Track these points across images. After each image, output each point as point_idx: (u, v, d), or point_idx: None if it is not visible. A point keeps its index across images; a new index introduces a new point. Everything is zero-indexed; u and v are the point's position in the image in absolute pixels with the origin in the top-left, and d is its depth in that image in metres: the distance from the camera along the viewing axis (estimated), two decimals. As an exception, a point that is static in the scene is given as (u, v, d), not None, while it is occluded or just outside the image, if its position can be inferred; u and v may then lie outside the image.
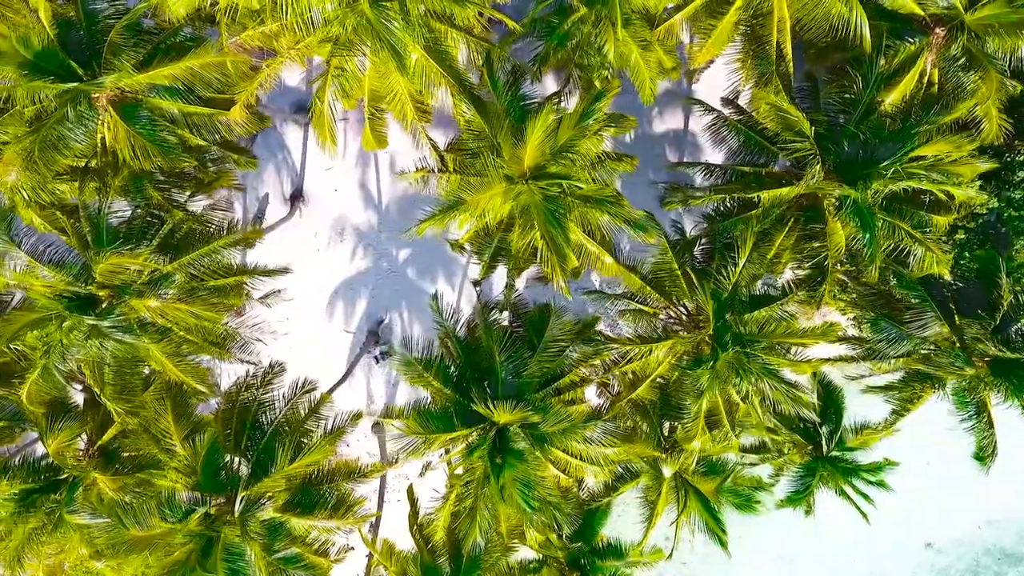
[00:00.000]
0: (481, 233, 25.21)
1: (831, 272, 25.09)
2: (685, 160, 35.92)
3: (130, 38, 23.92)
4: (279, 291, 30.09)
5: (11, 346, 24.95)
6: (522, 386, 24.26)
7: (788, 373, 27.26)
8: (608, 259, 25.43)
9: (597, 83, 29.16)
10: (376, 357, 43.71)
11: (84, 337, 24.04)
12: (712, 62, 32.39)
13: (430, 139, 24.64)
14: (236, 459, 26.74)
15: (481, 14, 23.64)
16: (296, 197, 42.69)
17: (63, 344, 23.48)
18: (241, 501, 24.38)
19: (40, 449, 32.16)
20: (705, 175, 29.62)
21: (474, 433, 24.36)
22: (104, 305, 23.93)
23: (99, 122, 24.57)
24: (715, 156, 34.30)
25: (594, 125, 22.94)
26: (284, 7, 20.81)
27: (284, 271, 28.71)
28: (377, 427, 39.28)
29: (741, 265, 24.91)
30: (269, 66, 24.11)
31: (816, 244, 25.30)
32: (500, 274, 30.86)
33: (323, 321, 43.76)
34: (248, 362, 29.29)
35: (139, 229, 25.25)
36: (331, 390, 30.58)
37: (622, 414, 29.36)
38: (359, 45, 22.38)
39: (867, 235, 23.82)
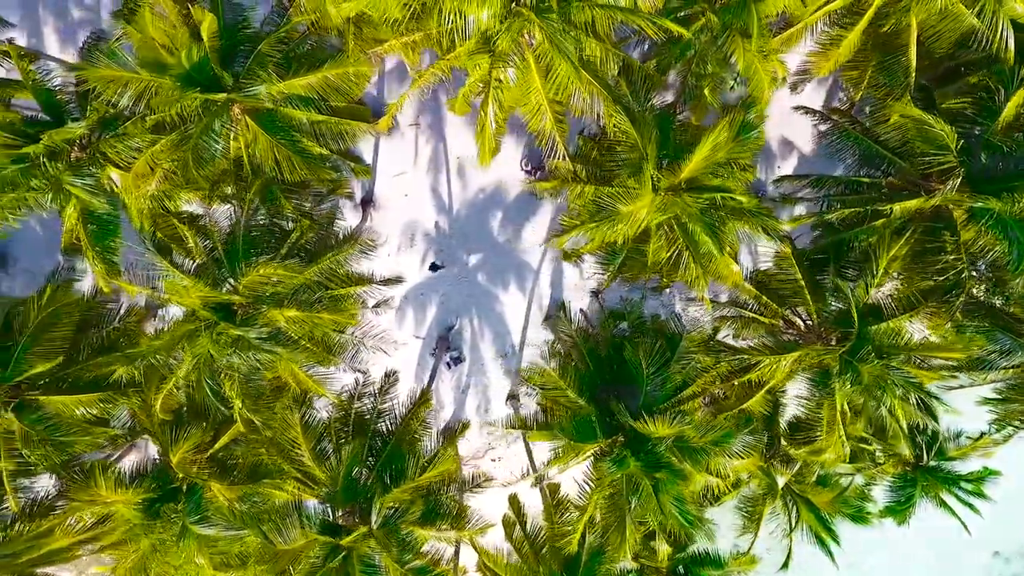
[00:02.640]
0: (607, 244, 25.05)
1: (967, 284, 25.01)
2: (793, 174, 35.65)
3: (279, 49, 23.72)
4: (388, 299, 29.91)
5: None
6: (661, 398, 24.16)
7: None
8: (735, 267, 25.34)
9: (707, 94, 29.16)
10: (448, 363, 43.57)
11: (230, 348, 23.79)
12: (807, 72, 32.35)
13: (565, 149, 24.49)
14: (360, 470, 26.60)
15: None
16: (367, 202, 42.52)
17: (212, 356, 23.23)
18: (378, 512, 24.14)
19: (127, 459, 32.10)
20: (815, 187, 29.54)
21: (611, 445, 24.21)
22: (241, 316, 23.69)
23: (236, 133, 24.37)
24: (803, 166, 34.27)
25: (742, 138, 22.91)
26: (443, 17, 20.65)
27: (398, 280, 28.56)
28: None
29: (879, 276, 24.86)
30: (421, 76, 23.97)
31: (951, 256, 25.16)
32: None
33: (393, 327, 43.55)
34: (359, 371, 29.11)
35: (270, 239, 25.03)
36: (424, 398, 30.39)
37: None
38: (511, 56, 22.25)
39: (1014, 248, 23.74)
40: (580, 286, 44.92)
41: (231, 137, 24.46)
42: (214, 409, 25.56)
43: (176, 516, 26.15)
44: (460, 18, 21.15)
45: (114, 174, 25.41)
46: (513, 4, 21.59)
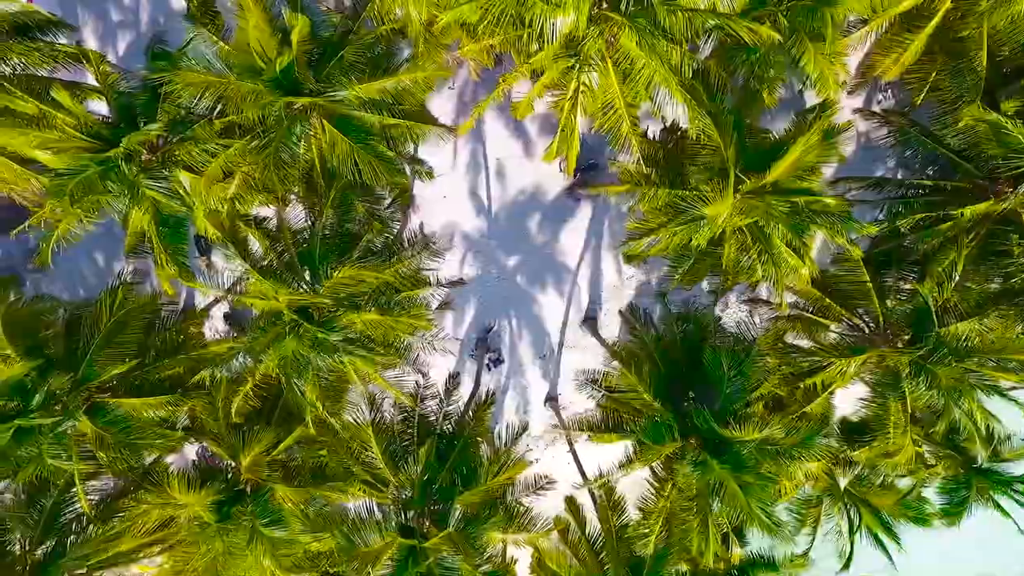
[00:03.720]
0: (677, 246, 25.15)
1: (1041, 286, 25.18)
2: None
3: (364, 53, 23.77)
4: (449, 302, 29.97)
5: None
6: (739, 400, 24.24)
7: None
8: (804, 270, 25.45)
9: (765, 97, 29.27)
10: (488, 364, 43.64)
11: (314, 350, 23.82)
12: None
13: (648, 153, 24.54)
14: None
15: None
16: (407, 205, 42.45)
17: (297, 357, 23.25)
18: (456, 515, 24.19)
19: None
20: (875, 189, 29.69)
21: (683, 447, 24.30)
22: (317, 318, 23.72)
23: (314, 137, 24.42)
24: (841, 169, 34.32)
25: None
26: (534, 21, 20.72)
27: (461, 282, 28.62)
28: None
29: (957, 279, 25.01)
30: (505, 80, 24.02)
31: (1021, 258, 25.30)
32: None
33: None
34: (421, 372, 29.17)
35: (339, 241, 25.07)
36: (488, 400, 30.43)
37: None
38: (596, 59, 22.35)
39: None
40: (618, 288, 45.07)
41: (309, 141, 24.43)
42: (299, 411, 25.58)
43: (246, 519, 26.07)
44: (549, 22, 21.19)
45: (184, 177, 25.36)
46: (597, 9, 21.65)
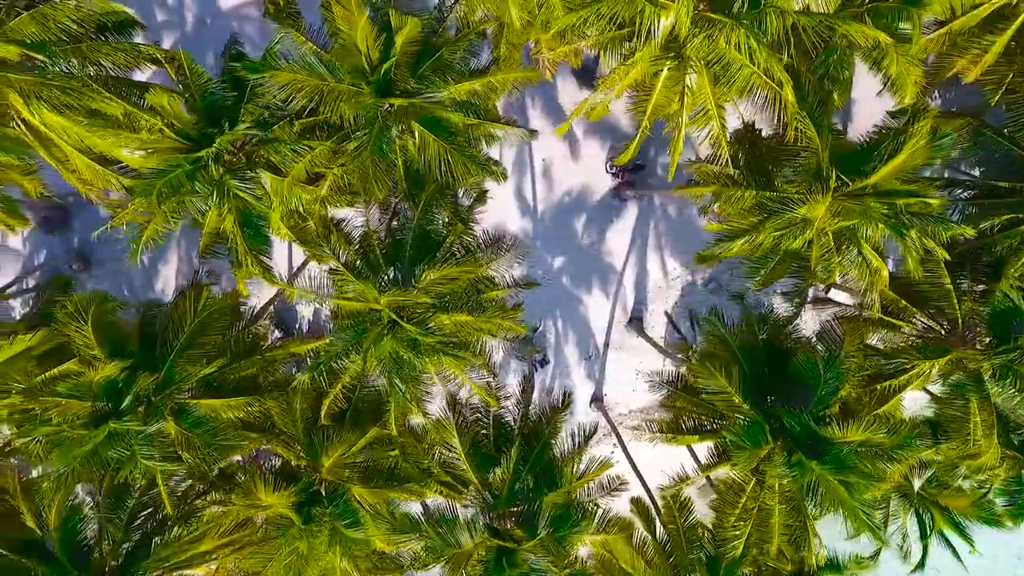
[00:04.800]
0: (768, 247, 25.16)
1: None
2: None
3: (460, 55, 23.75)
4: (522, 304, 29.94)
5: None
6: (831, 402, 24.28)
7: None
8: (885, 272, 25.52)
9: (836, 97, 29.32)
10: (536, 364, 43.66)
11: (412, 351, 23.79)
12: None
13: (729, 154, 24.57)
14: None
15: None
16: (454, 206, 42.35)
17: (396, 359, 23.22)
18: (545, 517, 24.19)
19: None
20: (946, 190, 29.76)
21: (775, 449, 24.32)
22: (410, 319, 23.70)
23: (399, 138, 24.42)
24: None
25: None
26: (640, 24, 20.73)
27: (535, 284, 28.66)
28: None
29: (1042, 280, 25.12)
30: (604, 83, 24.02)
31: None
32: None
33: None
34: (493, 372, 29.15)
35: (429, 243, 25.08)
36: (566, 401, 30.38)
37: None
38: (697, 60, 22.38)
39: None
40: (664, 289, 45.13)
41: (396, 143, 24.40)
42: (371, 412, 25.54)
43: (327, 520, 26.04)
44: (656, 24, 21.20)
45: (266, 178, 25.31)
46: (698, 11, 21.68)
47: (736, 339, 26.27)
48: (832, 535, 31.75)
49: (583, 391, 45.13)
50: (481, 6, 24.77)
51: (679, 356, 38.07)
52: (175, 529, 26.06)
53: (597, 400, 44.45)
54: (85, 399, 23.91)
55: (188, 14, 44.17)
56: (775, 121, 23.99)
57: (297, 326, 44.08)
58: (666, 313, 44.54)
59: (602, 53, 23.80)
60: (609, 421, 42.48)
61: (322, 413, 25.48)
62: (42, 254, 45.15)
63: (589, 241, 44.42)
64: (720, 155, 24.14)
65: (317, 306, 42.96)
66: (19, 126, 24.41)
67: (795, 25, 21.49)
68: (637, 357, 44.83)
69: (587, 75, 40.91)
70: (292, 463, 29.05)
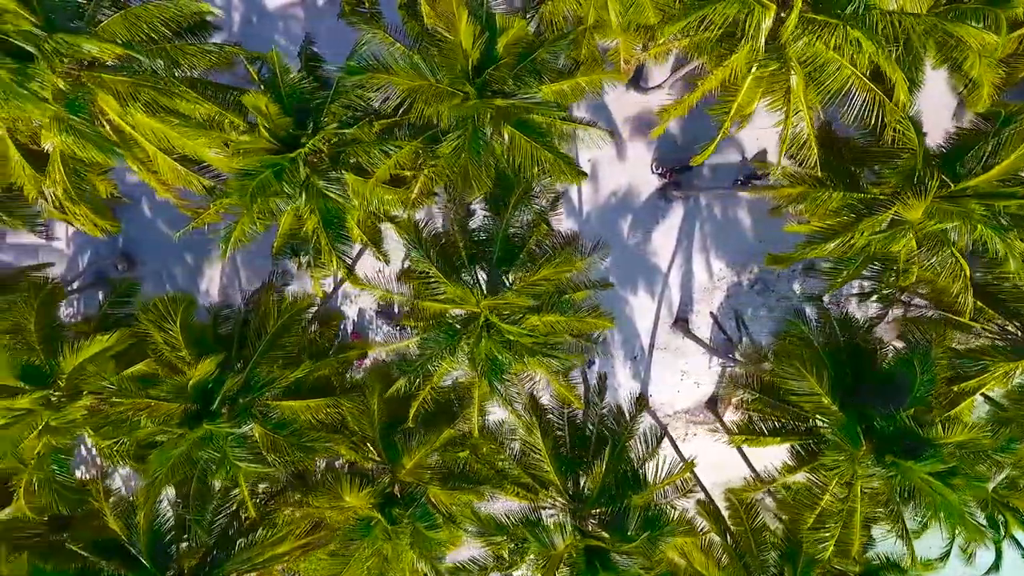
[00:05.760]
0: (859, 248, 25.14)
1: None
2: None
3: (552, 55, 23.71)
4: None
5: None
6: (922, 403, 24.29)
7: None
8: (969, 273, 25.53)
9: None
10: (589, 361, 43.68)
11: (509, 352, 23.71)
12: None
13: (817, 152, 24.56)
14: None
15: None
16: (497, 206, 42.28)
17: (493, 362, 23.16)
18: (637, 519, 24.17)
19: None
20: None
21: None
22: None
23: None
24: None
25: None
26: (747, 25, 20.68)
27: (610, 285, 28.62)
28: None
29: None
30: (703, 84, 24.00)
31: None
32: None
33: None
34: (586, 373, 29.04)
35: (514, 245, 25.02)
36: (642, 403, 30.29)
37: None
38: (796, 62, 22.36)
39: None
40: (710, 290, 45.11)
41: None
42: (443, 414, 25.49)
43: (407, 521, 25.97)
44: (762, 26, 21.19)
45: (347, 178, 25.24)
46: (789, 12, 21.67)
47: (821, 340, 26.17)
48: (878, 535, 31.90)
49: (629, 392, 45.02)
50: (565, 7, 24.70)
51: (740, 358, 38.11)
52: (259, 530, 25.89)
53: (713, 402, 44.43)
54: (179, 400, 23.76)
55: (235, 14, 44.03)
56: (860, 122, 23.91)
57: (341, 327, 43.95)
58: (712, 314, 44.53)
59: (693, 55, 23.75)
60: (657, 421, 42.44)
61: (411, 415, 25.41)
62: (87, 254, 45.01)
63: (635, 241, 44.36)
64: (809, 157, 24.07)
65: (361, 307, 43.02)
66: (104, 126, 24.27)
67: (894, 26, 21.43)
68: (683, 358, 44.81)
69: (635, 77, 40.98)
70: (361, 464, 28.96)
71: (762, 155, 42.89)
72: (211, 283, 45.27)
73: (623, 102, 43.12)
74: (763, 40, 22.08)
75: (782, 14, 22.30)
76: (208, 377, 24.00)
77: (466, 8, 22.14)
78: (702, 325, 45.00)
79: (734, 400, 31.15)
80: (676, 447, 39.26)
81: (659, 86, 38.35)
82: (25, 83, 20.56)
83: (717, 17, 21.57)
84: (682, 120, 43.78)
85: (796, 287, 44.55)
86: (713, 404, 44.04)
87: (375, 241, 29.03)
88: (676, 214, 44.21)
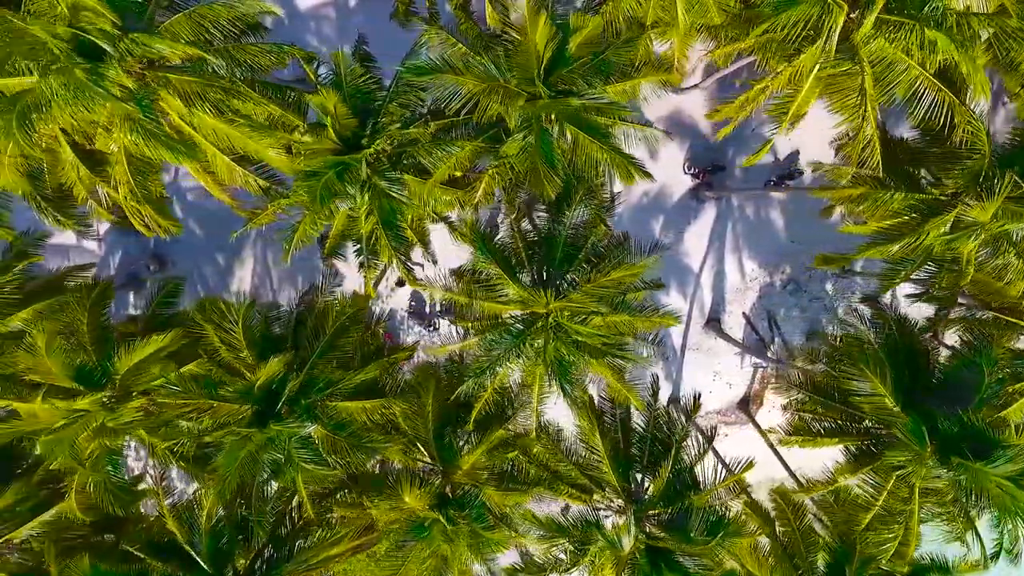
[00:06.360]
0: (923, 249, 25.14)
1: None
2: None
3: (620, 56, 23.67)
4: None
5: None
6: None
7: None
8: (1022, 276, 25.59)
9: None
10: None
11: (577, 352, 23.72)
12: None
13: (880, 152, 24.55)
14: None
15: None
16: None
17: (566, 362, 23.13)
18: (701, 520, 24.17)
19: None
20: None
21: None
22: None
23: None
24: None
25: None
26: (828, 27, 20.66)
27: (661, 285, 28.58)
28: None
29: None
30: (770, 83, 23.97)
31: None
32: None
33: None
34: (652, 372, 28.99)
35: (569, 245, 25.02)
36: (697, 404, 30.26)
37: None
38: (868, 62, 22.37)
39: None
40: (742, 290, 45.07)
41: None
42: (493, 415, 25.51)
43: (462, 522, 25.94)
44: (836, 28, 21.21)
45: (406, 179, 25.19)
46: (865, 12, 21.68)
47: (880, 340, 26.17)
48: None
49: (661, 392, 44.93)
50: (627, 6, 24.68)
51: (778, 359, 38.10)
52: (317, 531, 25.84)
53: (674, 401, 44.37)
54: (246, 402, 23.68)
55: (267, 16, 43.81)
56: (926, 123, 23.92)
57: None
58: (744, 314, 44.52)
59: (761, 55, 23.75)
60: (692, 422, 42.41)
61: (471, 417, 25.34)
62: (117, 255, 44.92)
63: (667, 242, 44.29)
64: (872, 158, 24.07)
65: (392, 308, 42.97)
66: (163, 126, 24.16)
67: (962, 27, 21.44)
68: (715, 359, 44.77)
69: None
70: (410, 465, 28.89)
71: (794, 156, 42.96)
72: (241, 283, 45.21)
73: (656, 102, 43.13)
74: (836, 40, 22.04)
75: (851, 15, 22.28)
76: (275, 378, 23.89)
77: (544, 9, 22.09)
78: (734, 326, 44.96)
79: (783, 401, 31.10)
80: (714, 449, 39.27)
81: (695, 86, 38.33)
82: (100, 82, 20.42)
83: (801, 17, 21.51)
84: (714, 121, 43.86)
85: (828, 287, 44.54)
86: (745, 404, 43.99)
87: (423, 241, 28.98)
88: (708, 215, 44.21)
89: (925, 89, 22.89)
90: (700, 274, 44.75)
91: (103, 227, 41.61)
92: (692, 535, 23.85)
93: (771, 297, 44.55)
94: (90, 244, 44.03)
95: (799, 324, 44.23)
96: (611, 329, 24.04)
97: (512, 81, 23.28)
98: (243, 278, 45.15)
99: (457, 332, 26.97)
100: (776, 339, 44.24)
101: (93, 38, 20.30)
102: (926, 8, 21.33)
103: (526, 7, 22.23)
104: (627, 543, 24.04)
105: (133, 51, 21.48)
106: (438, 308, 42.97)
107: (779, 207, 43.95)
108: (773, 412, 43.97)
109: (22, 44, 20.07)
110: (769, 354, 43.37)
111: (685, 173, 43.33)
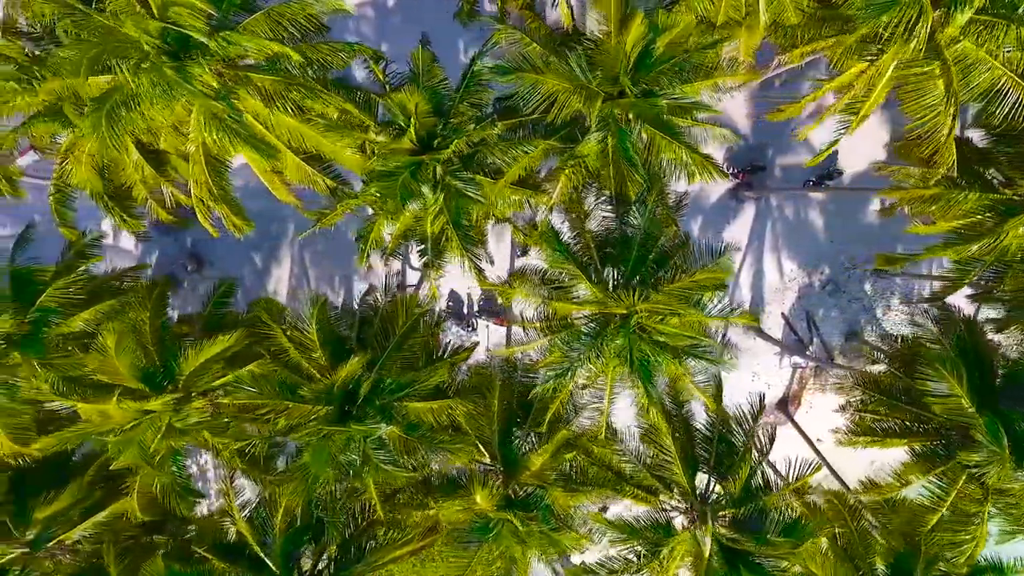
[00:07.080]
0: (1001, 250, 25.12)
1: None
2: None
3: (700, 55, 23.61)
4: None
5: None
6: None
7: None
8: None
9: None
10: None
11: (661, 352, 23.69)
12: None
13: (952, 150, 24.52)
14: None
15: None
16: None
17: (649, 363, 23.06)
18: (777, 521, 24.13)
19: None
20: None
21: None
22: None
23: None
24: None
25: None
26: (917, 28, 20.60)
27: (725, 287, 28.41)
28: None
29: None
30: (849, 86, 23.92)
31: None
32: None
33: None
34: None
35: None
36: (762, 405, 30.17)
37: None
38: (951, 62, 22.36)
39: None
40: (780, 290, 45.02)
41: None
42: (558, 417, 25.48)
43: (530, 523, 25.86)
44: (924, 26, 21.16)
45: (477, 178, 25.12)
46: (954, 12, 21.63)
47: (953, 342, 26.15)
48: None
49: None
50: (700, 5, 24.63)
51: (824, 360, 38.06)
52: (388, 532, 25.76)
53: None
54: (324, 403, 23.59)
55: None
56: (1008, 123, 23.86)
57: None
58: (783, 315, 44.47)
59: (837, 55, 23.72)
60: (758, 422, 42.36)
61: (546, 419, 25.23)
62: (154, 254, 44.79)
63: (706, 241, 44.16)
64: (947, 158, 24.04)
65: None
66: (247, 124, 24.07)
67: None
68: (754, 359, 44.69)
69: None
70: (470, 467, 28.77)
71: (833, 156, 42.85)
72: (279, 283, 45.11)
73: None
74: (925, 41, 22.03)
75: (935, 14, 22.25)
76: (353, 378, 23.79)
77: (640, 8, 22.03)
78: (773, 326, 44.90)
79: (842, 401, 31.08)
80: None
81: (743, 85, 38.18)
82: (190, 80, 20.32)
83: (898, 18, 21.48)
84: (754, 120, 43.81)
85: (867, 288, 44.51)
86: (784, 405, 43.94)
87: (481, 241, 28.91)
88: (747, 215, 44.13)
89: (1009, 89, 22.84)
90: (739, 274, 44.65)
91: (142, 228, 41.45)
92: (769, 537, 23.76)
93: (810, 298, 44.51)
94: (127, 244, 43.90)
95: (838, 325, 44.17)
96: (691, 329, 23.97)
97: (594, 81, 23.19)
98: (280, 278, 45.04)
99: (491, 333, 26.70)
100: (815, 340, 44.20)
101: (191, 33, 20.17)
102: (1020, 9, 21.31)
103: (612, 7, 22.14)
104: (708, 544, 23.96)
105: (217, 50, 21.35)
106: (475, 309, 42.88)
107: (818, 207, 43.93)
108: (811, 412, 43.99)
109: (112, 42, 19.92)
110: (808, 353, 43.34)
111: (725, 172, 43.17)
